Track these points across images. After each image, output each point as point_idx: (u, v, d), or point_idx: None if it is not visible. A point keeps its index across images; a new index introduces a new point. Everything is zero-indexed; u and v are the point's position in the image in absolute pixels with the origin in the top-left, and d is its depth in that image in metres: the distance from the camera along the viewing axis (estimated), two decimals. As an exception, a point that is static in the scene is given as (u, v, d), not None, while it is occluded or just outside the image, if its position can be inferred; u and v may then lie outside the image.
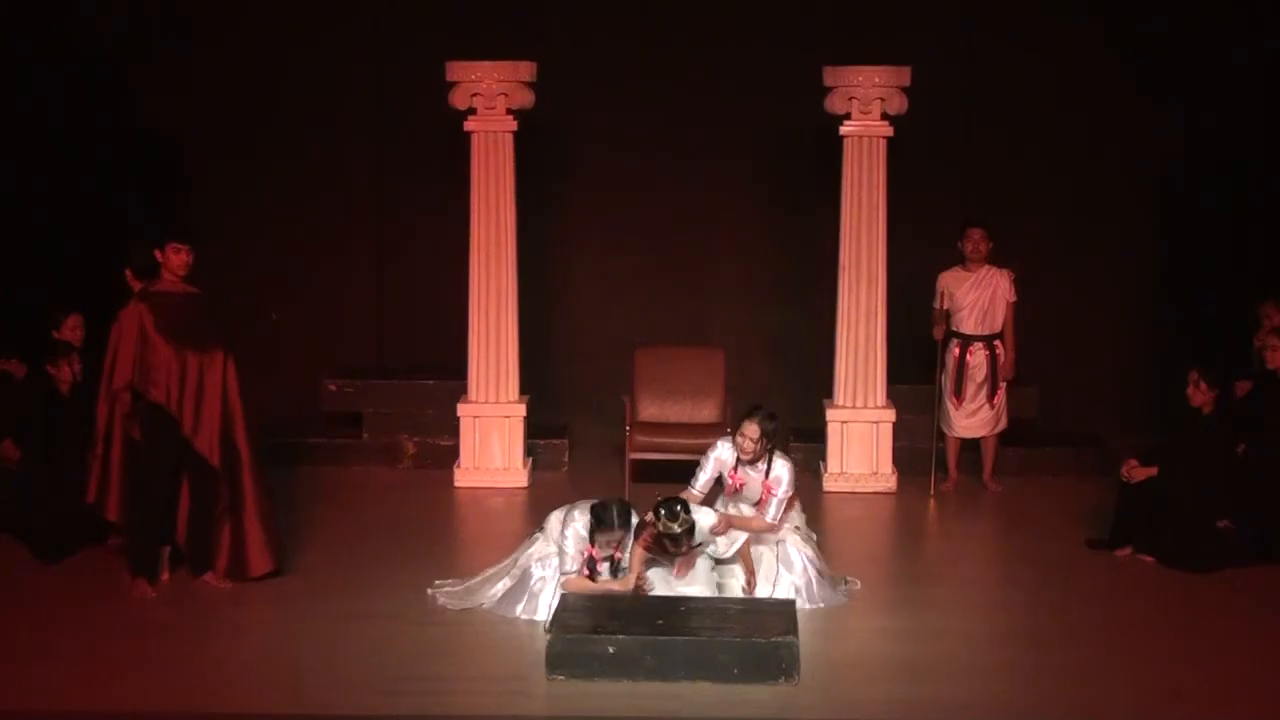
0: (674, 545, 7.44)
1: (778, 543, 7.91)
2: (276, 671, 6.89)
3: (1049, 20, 11.61)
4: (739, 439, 7.89)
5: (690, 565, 7.68)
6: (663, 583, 7.67)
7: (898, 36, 11.21)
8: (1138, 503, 8.67)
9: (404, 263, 11.99)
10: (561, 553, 7.61)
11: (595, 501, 7.62)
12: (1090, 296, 11.84)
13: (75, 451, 8.07)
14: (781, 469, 7.88)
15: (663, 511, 7.37)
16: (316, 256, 11.92)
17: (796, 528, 8.04)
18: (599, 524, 7.50)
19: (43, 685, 6.65)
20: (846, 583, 8.04)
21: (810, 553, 7.96)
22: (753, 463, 7.88)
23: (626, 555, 7.57)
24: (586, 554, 7.54)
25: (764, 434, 7.82)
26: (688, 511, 7.44)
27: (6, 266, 10.10)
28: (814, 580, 7.82)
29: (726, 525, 7.73)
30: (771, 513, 7.82)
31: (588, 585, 7.50)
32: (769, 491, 7.82)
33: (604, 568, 7.57)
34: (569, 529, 7.61)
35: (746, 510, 7.93)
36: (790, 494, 7.90)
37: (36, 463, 8.75)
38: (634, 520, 7.57)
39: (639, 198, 11.87)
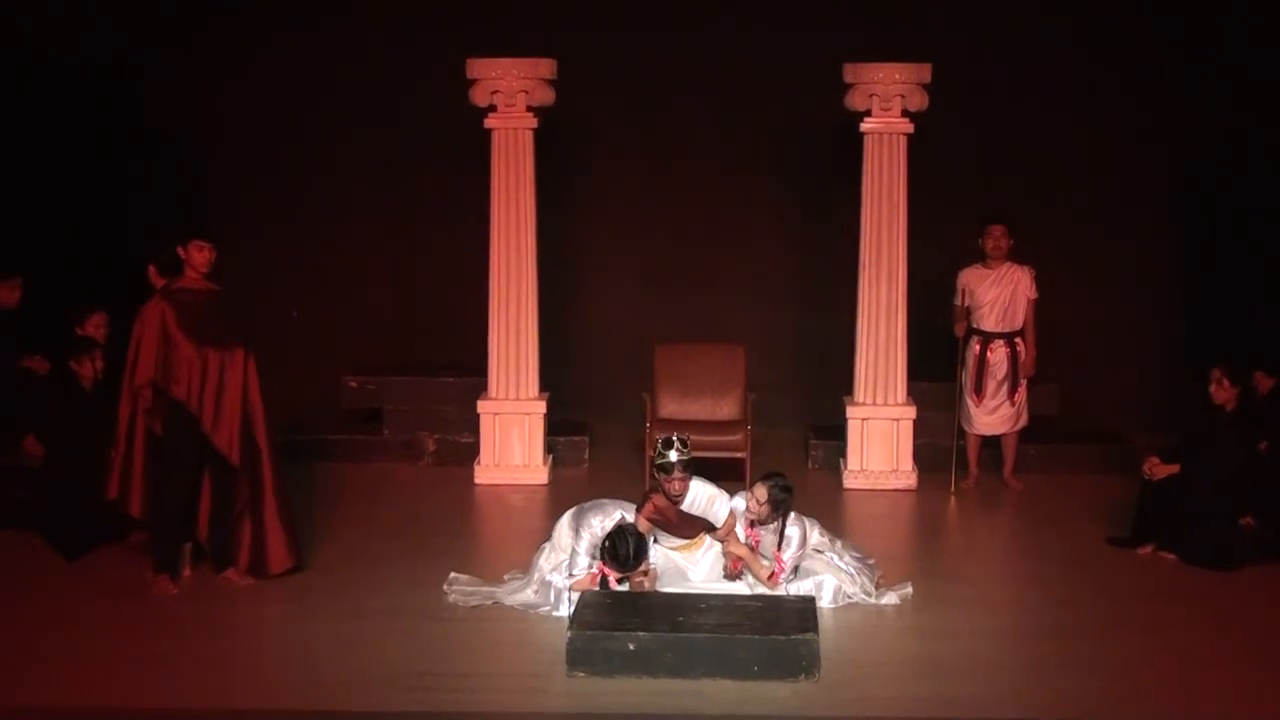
0: (665, 480, 7.65)
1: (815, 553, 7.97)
2: (297, 667, 6.91)
3: (1070, 16, 11.58)
4: (749, 498, 7.85)
5: (692, 529, 7.77)
6: (679, 577, 7.70)
7: (918, 33, 11.19)
8: (1159, 500, 8.65)
9: (424, 260, 12.02)
10: (574, 554, 7.65)
11: (615, 529, 7.57)
12: (1112, 293, 11.80)
13: (98, 448, 8.10)
14: (791, 533, 7.81)
15: (660, 441, 7.75)
16: (337, 253, 11.95)
17: (817, 549, 8.00)
18: (614, 558, 7.48)
19: (65, 681, 6.68)
20: (890, 587, 8.01)
21: (849, 561, 8.00)
22: (762, 524, 7.83)
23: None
24: (600, 571, 7.55)
25: (773, 502, 7.74)
26: (686, 447, 7.66)
27: (31, 264, 10.15)
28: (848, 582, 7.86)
29: (735, 547, 7.80)
30: (773, 570, 7.75)
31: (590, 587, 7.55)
32: (780, 563, 7.78)
33: (619, 585, 7.59)
34: (585, 532, 7.66)
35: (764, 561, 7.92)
36: (800, 553, 7.83)
37: (59, 459, 8.79)
38: (648, 553, 7.59)
39: (659, 194, 11.89)
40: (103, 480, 7.90)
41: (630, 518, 7.72)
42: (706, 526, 7.86)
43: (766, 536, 7.82)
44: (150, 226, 9.84)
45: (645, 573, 7.60)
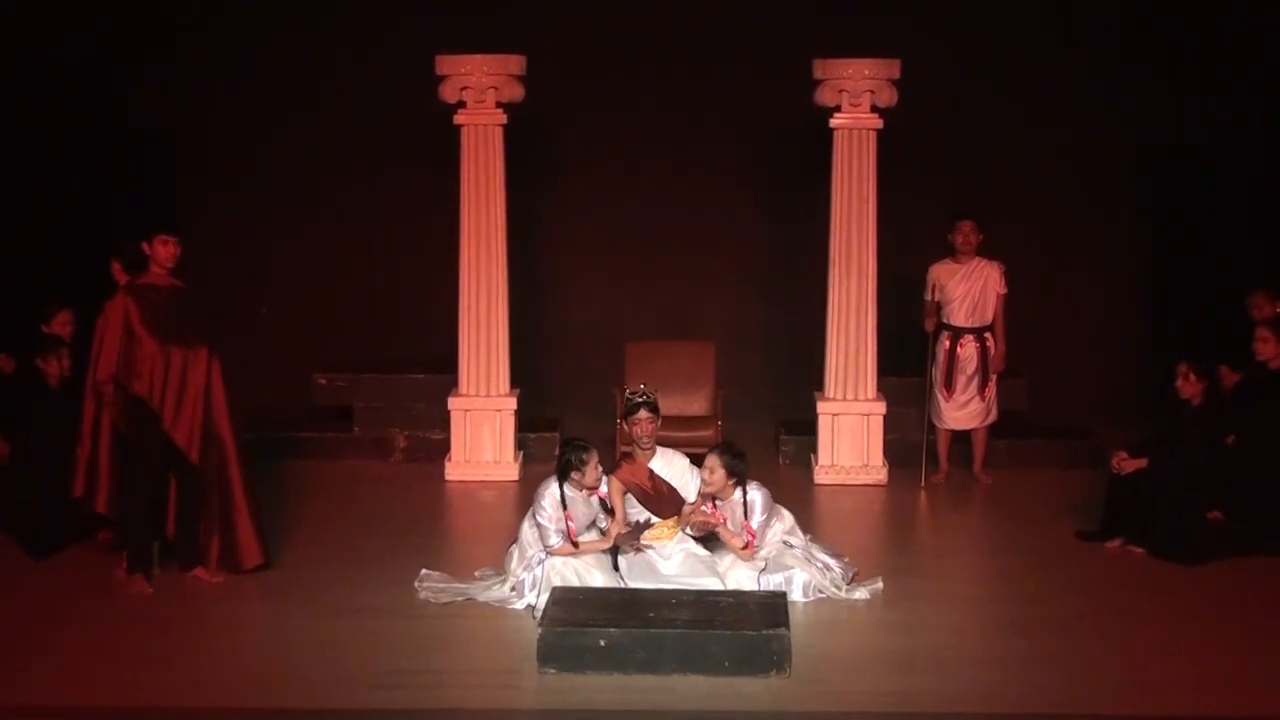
0: (633, 422, 7.85)
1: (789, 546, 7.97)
2: (268, 666, 6.88)
3: (1038, 11, 11.62)
4: (703, 472, 7.86)
5: (666, 505, 7.83)
6: (651, 572, 7.70)
7: (887, 28, 11.21)
8: (1128, 494, 8.68)
9: (394, 256, 12.00)
10: (541, 528, 7.67)
11: (560, 447, 7.89)
12: (1080, 288, 11.86)
13: (64, 446, 8.02)
14: (754, 497, 7.84)
15: (627, 389, 7.97)
16: (306, 250, 11.93)
17: (787, 543, 7.98)
18: (575, 463, 7.65)
19: (35, 682, 6.63)
20: (861, 582, 8.01)
21: (823, 558, 7.99)
22: (721, 498, 7.82)
23: (602, 485, 7.78)
24: (565, 525, 7.61)
25: (727, 469, 7.76)
26: (653, 392, 7.94)
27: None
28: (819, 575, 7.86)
29: (703, 520, 7.84)
30: (746, 541, 7.79)
31: (574, 550, 7.66)
32: (750, 532, 7.78)
33: (585, 534, 7.74)
34: (544, 500, 7.69)
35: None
36: (765, 519, 7.86)
37: (26, 458, 8.72)
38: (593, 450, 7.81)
39: (629, 191, 11.89)
40: (69, 478, 7.85)
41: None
42: (678, 503, 7.86)
43: (731, 511, 7.82)
44: (120, 224, 9.79)
45: (632, 529, 7.75)
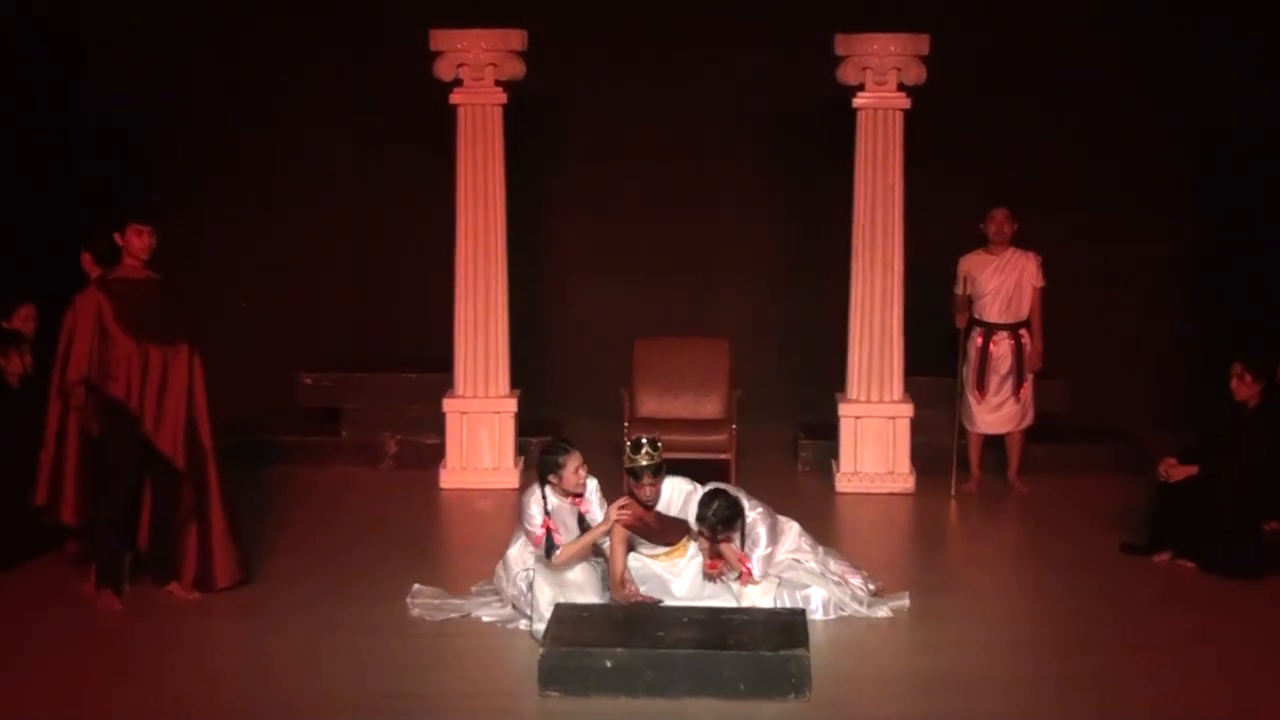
0: (638, 485, 7.58)
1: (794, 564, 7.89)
2: (245, 688, 6.85)
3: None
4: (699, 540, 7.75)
5: (675, 533, 7.71)
6: (661, 590, 7.66)
7: (914, 2, 11.15)
8: (1177, 504, 8.62)
9: (386, 246, 12.02)
10: (528, 533, 7.57)
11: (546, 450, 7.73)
12: (1124, 281, 11.85)
13: (26, 450, 7.96)
14: (758, 531, 7.68)
15: (629, 444, 7.67)
16: (291, 239, 11.95)
17: (796, 560, 7.88)
18: (550, 464, 7.52)
19: (1, 698, 6.60)
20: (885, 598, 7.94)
21: (836, 568, 7.92)
22: (723, 544, 7.70)
23: (593, 500, 7.64)
24: (544, 527, 7.51)
25: (717, 536, 7.59)
26: (657, 448, 7.59)
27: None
28: (838, 592, 7.78)
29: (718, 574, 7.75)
30: (758, 571, 7.66)
31: (574, 548, 7.54)
32: (745, 566, 7.65)
33: (561, 538, 7.56)
34: (530, 508, 7.57)
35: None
36: (771, 550, 7.73)
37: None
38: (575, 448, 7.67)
39: (638, 176, 11.91)
40: (31, 485, 7.81)
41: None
42: (686, 528, 7.78)
43: (726, 553, 7.70)
44: (90, 212, 9.79)
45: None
